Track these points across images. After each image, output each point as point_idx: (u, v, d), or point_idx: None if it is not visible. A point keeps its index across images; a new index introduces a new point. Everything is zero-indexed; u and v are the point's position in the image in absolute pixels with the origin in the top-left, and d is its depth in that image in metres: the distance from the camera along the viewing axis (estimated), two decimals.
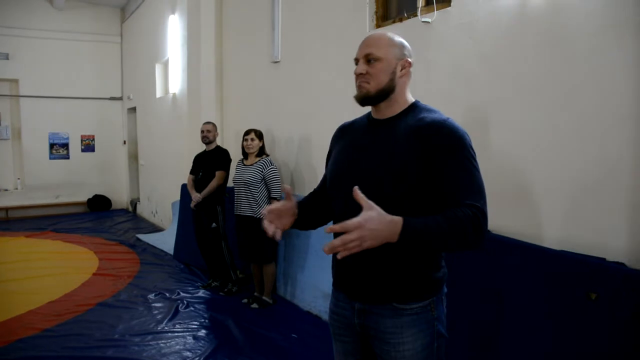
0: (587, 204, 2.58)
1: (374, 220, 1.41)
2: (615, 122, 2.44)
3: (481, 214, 1.53)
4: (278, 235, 1.74)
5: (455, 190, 1.57)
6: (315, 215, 1.95)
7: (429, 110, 1.74)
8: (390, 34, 1.79)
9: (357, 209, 1.64)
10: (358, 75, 1.76)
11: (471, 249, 1.56)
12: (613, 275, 2.33)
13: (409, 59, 1.78)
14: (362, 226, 1.39)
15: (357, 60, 1.79)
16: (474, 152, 1.65)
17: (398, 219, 1.44)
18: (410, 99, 1.80)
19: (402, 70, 1.76)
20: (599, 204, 2.53)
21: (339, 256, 1.41)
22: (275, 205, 1.78)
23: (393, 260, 1.68)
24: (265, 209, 1.77)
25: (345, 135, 1.91)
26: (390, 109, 1.76)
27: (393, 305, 1.71)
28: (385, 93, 1.74)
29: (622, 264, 2.36)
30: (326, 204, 1.94)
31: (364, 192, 1.63)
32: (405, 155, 1.63)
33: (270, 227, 1.73)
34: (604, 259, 2.42)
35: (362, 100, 1.77)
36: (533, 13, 2.81)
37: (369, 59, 1.74)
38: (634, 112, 2.37)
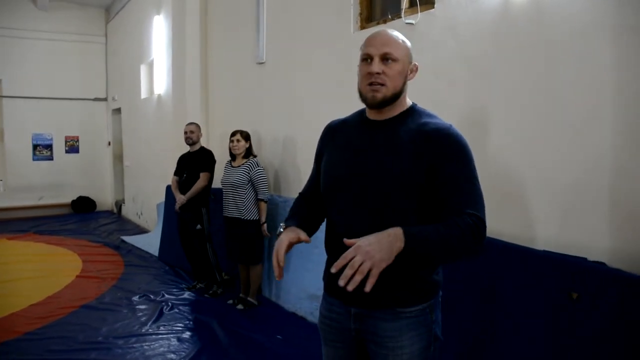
0: (570, 204, 2.61)
1: (369, 239, 1.41)
2: (596, 124, 2.47)
3: (481, 223, 1.53)
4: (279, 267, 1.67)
5: (458, 199, 1.55)
6: (313, 223, 1.88)
7: (429, 115, 1.72)
8: (401, 34, 1.72)
9: (363, 209, 1.64)
10: (372, 75, 1.63)
11: (470, 257, 1.56)
12: (594, 275, 2.36)
13: (417, 64, 1.74)
14: (359, 247, 1.40)
15: (368, 56, 1.66)
16: (474, 162, 1.64)
17: (395, 228, 1.45)
18: (409, 101, 1.77)
19: (410, 74, 1.72)
20: (581, 205, 2.56)
21: (349, 288, 1.39)
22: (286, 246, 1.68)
23: (392, 264, 1.62)
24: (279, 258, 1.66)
25: (338, 135, 1.83)
26: (392, 111, 1.70)
27: (395, 309, 1.68)
28: (397, 97, 1.68)
29: (602, 264, 2.39)
30: (317, 207, 1.89)
31: (367, 196, 1.61)
32: (410, 159, 1.60)
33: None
34: (585, 259, 2.45)
35: (379, 104, 1.67)
36: (516, 15, 2.83)
37: (386, 59, 1.64)
38: (614, 113, 2.40)
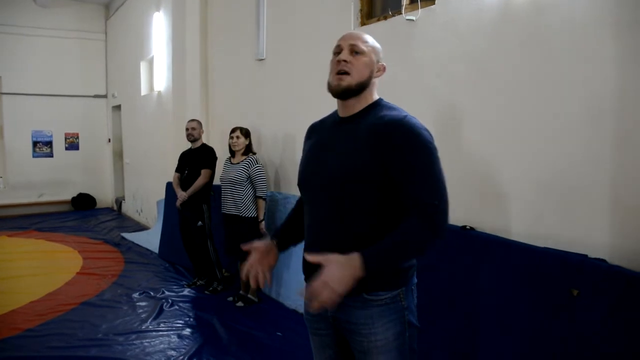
0: (570, 201, 2.60)
1: (332, 272, 1.53)
2: (597, 120, 2.47)
3: (439, 213, 1.60)
4: (268, 280, 1.87)
5: (415, 189, 1.61)
6: (300, 230, 1.98)
7: (390, 108, 1.77)
8: (371, 37, 1.83)
9: (325, 201, 1.75)
10: (340, 62, 1.74)
11: (434, 248, 1.62)
12: (595, 272, 2.36)
13: (384, 64, 1.83)
14: (326, 283, 1.52)
15: (338, 49, 1.78)
16: (434, 147, 1.67)
17: (355, 256, 1.54)
18: (375, 96, 1.83)
19: (377, 72, 1.80)
20: (581, 201, 2.55)
21: (314, 307, 1.56)
22: (258, 248, 1.88)
23: (359, 250, 1.70)
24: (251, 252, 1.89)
25: (314, 134, 1.94)
26: (357, 106, 1.79)
27: (363, 296, 1.73)
28: (362, 88, 1.76)
29: (603, 261, 2.38)
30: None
31: (328, 189, 1.72)
32: (365, 152, 1.66)
33: (258, 277, 1.86)
34: (585, 256, 2.45)
35: (343, 92, 1.75)
36: (516, 12, 2.83)
37: (354, 51, 1.74)
38: (615, 110, 2.39)
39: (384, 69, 1.82)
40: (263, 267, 1.85)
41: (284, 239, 1.98)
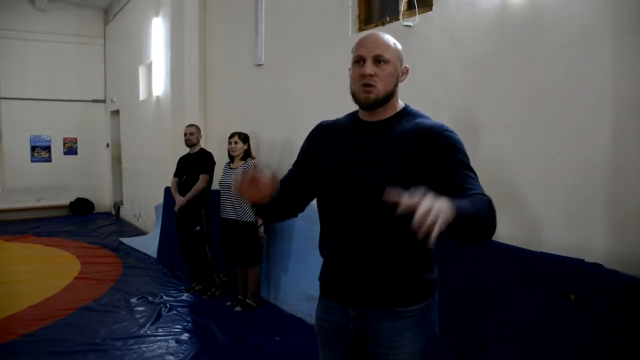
0: (567, 206, 2.61)
1: (430, 200, 1.29)
2: (594, 126, 2.48)
3: (493, 205, 1.52)
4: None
5: (466, 185, 1.56)
6: (283, 208, 1.88)
7: (422, 116, 1.74)
8: (392, 37, 1.73)
9: (362, 208, 1.65)
10: (365, 76, 1.65)
11: (489, 236, 1.52)
12: (591, 276, 2.36)
13: (407, 66, 1.76)
14: (431, 199, 1.28)
15: (360, 58, 1.67)
16: None
17: (443, 198, 1.33)
18: (401, 103, 1.78)
19: (402, 76, 1.74)
20: (578, 206, 2.56)
21: (421, 232, 1.26)
22: (259, 176, 1.69)
23: (388, 263, 1.67)
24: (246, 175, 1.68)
25: (331, 136, 1.82)
26: (384, 112, 1.72)
27: (392, 308, 1.69)
28: (389, 97, 1.70)
29: (600, 265, 2.39)
30: (290, 200, 1.87)
31: (367, 195, 1.62)
32: (408, 157, 1.62)
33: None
34: (582, 260, 2.45)
35: (372, 105, 1.67)
36: (513, 18, 2.84)
37: (378, 60, 1.66)
38: (611, 115, 2.41)
39: (408, 71, 1.75)
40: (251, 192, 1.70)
41: (272, 208, 1.83)
